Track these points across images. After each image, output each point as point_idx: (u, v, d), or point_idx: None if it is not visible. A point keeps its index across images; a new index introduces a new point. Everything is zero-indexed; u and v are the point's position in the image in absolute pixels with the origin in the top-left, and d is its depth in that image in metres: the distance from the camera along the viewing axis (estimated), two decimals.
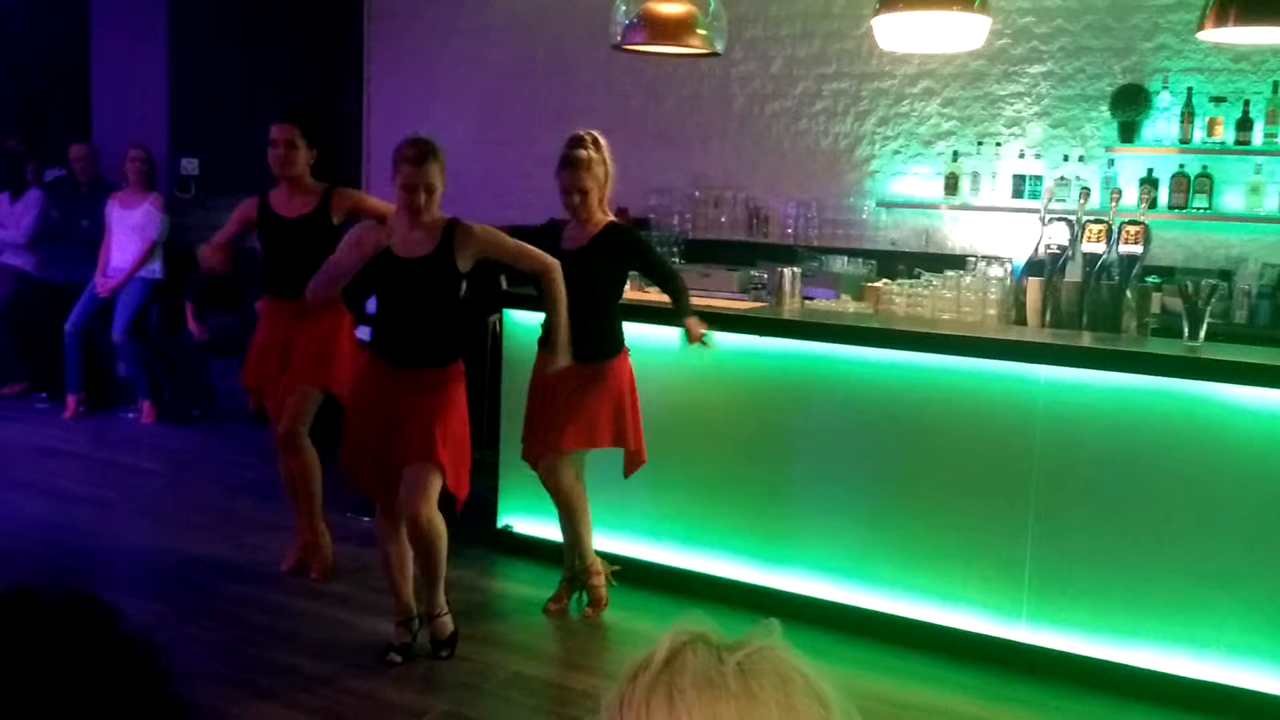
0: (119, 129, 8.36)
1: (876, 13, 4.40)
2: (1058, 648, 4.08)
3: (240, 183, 8.25)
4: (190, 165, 8.38)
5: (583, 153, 4.23)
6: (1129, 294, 4.45)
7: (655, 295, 5.14)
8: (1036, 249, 4.75)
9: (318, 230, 4.69)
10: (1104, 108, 6.07)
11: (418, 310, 3.99)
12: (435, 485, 3.92)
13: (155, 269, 7.61)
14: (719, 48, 4.83)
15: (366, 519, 5.65)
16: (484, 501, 5.26)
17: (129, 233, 7.54)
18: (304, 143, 4.72)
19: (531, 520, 5.09)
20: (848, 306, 5.21)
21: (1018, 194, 6.19)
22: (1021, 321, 4.73)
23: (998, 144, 6.33)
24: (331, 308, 4.72)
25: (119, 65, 8.80)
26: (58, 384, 7.82)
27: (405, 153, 3.92)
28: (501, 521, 5.21)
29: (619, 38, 4.79)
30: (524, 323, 5.08)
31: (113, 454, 6.88)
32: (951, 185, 6.38)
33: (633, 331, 4.57)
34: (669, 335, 4.65)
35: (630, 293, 5.10)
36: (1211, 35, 4.24)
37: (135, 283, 7.53)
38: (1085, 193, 5.28)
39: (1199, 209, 5.80)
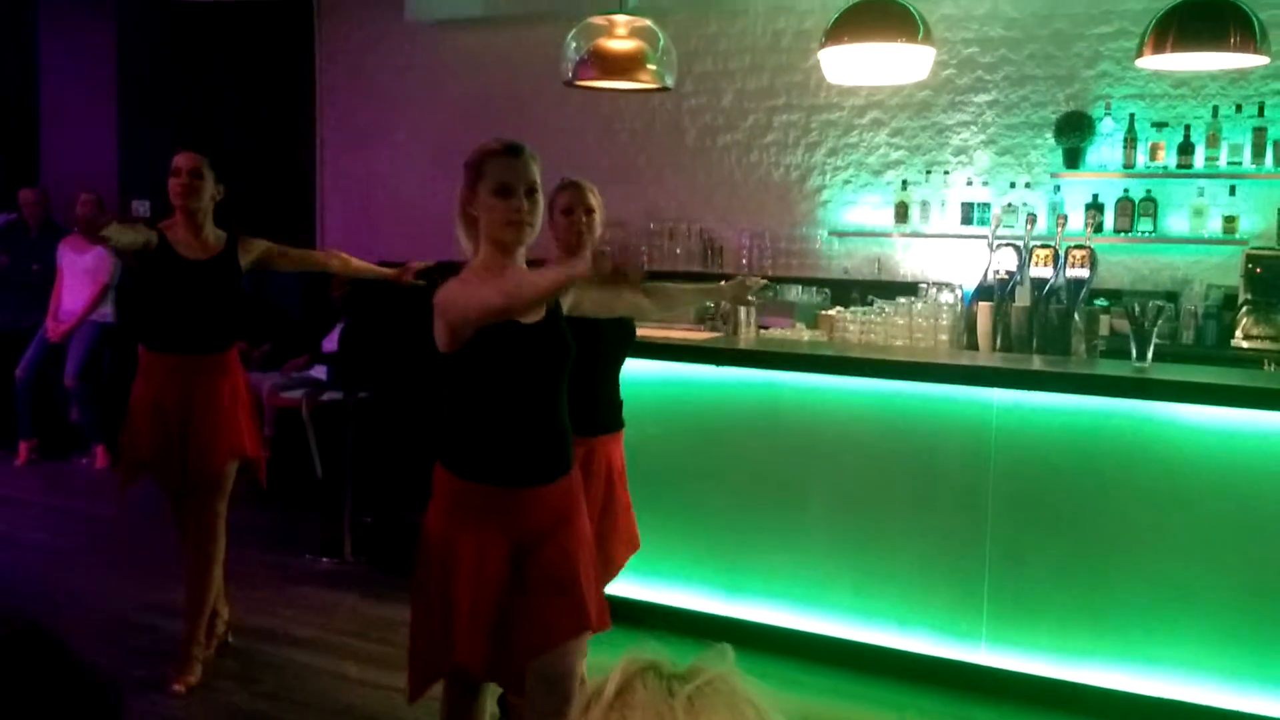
0: (69, 173, 8.30)
1: (823, 45, 4.47)
2: (1018, 669, 4.10)
3: None
4: (142, 207, 8.33)
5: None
6: (1077, 317, 4.51)
7: None
8: (986, 275, 4.81)
9: (224, 276, 4.17)
10: (1049, 135, 6.17)
11: (542, 395, 2.79)
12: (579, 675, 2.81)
13: (107, 313, 7.54)
14: (669, 82, 4.87)
15: (325, 559, 5.61)
16: None
17: (80, 276, 7.47)
18: (210, 175, 4.16)
19: None
20: (803, 335, 5.25)
21: (966, 221, 6.27)
22: (973, 346, 4.79)
23: (946, 172, 6.42)
24: (225, 357, 4.24)
25: (68, 109, 8.75)
26: (9, 431, 7.71)
27: (490, 148, 2.82)
28: None
29: (571, 74, 4.82)
30: None
31: (66, 500, 6.79)
32: (901, 213, 6.46)
33: None
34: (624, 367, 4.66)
35: None
36: (1151, 62, 4.33)
37: (87, 327, 7.46)
38: (1032, 219, 5.37)
39: (1144, 232, 5.91)
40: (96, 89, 8.55)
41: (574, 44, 4.77)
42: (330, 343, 6.80)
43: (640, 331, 4.93)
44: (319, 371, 6.78)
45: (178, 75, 8.40)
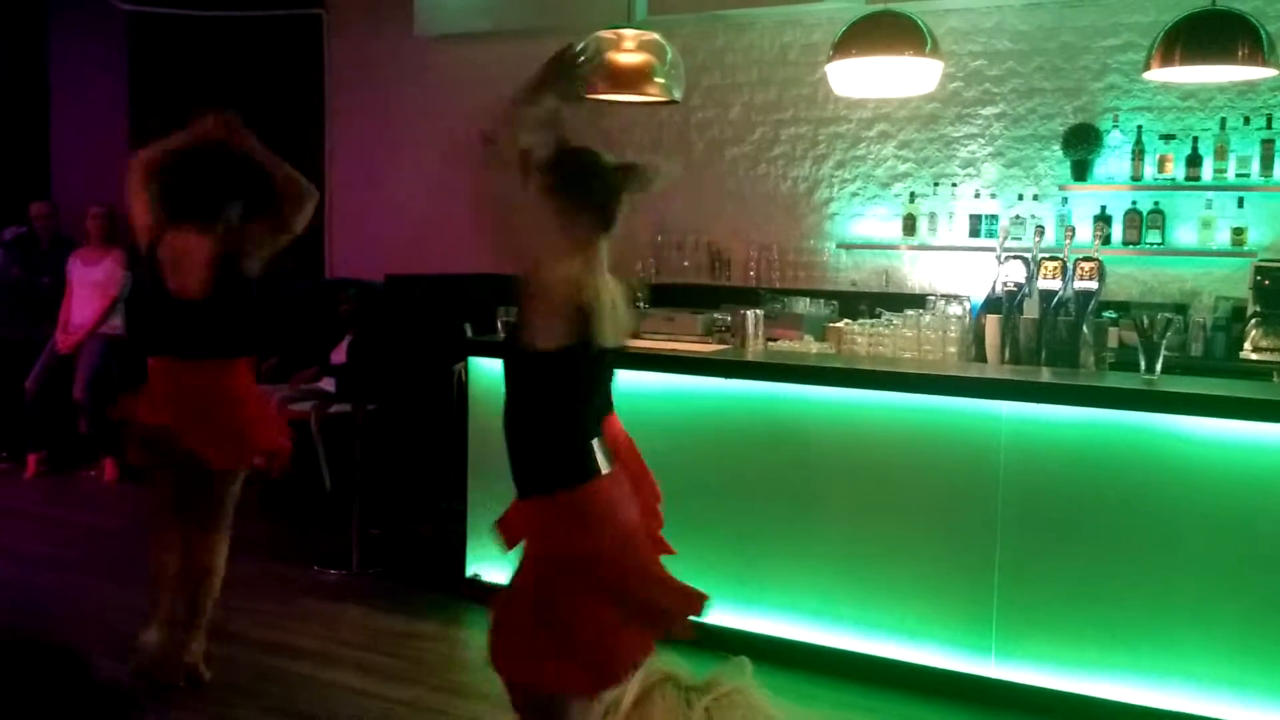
0: (80, 186, 8.34)
1: (830, 59, 4.48)
2: (1028, 682, 4.09)
3: None
4: None
5: None
6: (1085, 329, 4.51)
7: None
8: (994, 287, 4.81)
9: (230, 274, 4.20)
10: (1056, 147, 6.17)
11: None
12: None
13: (117, 325, 7.56)
14: (677, 95, 4.89)
15: (333, 571, 5.61)
16: (451, 549, 5.25)
17: (91, 289, 7.51)
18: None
19: (501, 569, 5.06)
20: (811, 347, 5.25)
21: (974, 233, 6.27)
22: (981, 358, 4.79)
23: (953, 184, 6.42)
24: (235, 361, 4.22)
25: (79, 122, 8.79)
26: (18, 443, 7.73)
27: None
28: (470, 570, 5.18)
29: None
30: (490, 370, 5.09)
31: (74, 513, 6.80)
32: (909, 226, 6.46)
33: None
34: (632, 379, 4.67)
35: None
36: (1158, 75, 4.34)
37: (97, 339, 7.49)
38: (1040, 231, 5.36)
39: (1152, 244, 5.90)
40: (107, 103, 8.58)
41: (581, 57, 4.78)
42: (339, 355, 6.82)
43: (647, 344, 4.95)
44: (327, 384, 6.79)
45: (187, 89, 8.43)
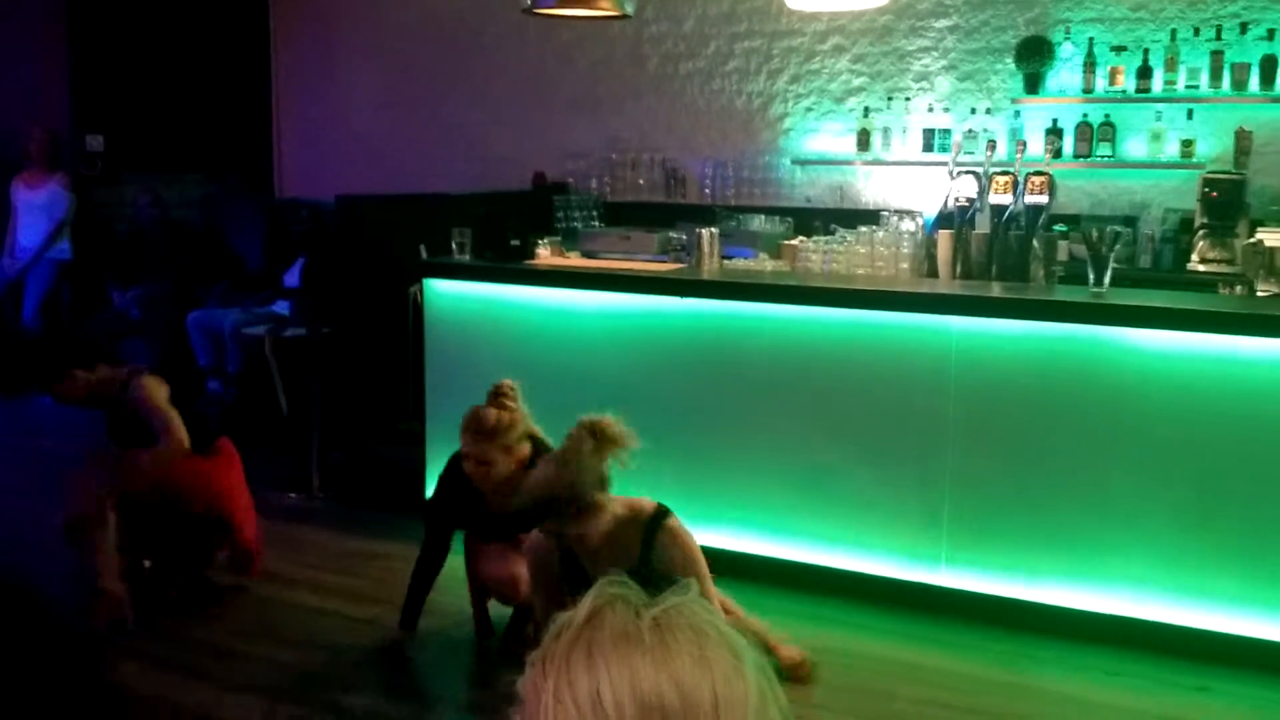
0: (20, 108, 8.14)
1: None
2: (976, 590, 4.20)
3: (148, 158, 8.09)
4: (96, 142, 8.19)
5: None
6: (1036, 243, 4.55)
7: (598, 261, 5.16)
8: (946, 202, 4.84)
9: None
10: (1009, 60, 6.18)
11: None
12: None
13: (64, 249, 7.46)
14: (629, 10, 4.82)
15: (293, 495, 5.63)
16: (411, 471, 5.27)
17: (36, 213, 7.38)
18: None
19: None
20: (766, 265, 5.26)
21: (928, 148, 6.29)
22: (933, 274, 4.82)
23: (907, 99, 6.41)
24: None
25: (17, 42, 8.54)
26: None
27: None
28: (429, 492, 5.20)
29: (529, 1, 4.77)
30: (445, 291, 5.07)
31: (24, 439, 6.75)
32: (863, 141, 6.46)
33: (559, 296, 4.57)
34: (588, 299, 4.68)
35: (581, 260, 5.10)
36: None
37: (44, 264, 7.38)
38: (992, 145, 5.39)
39: (1103, 157, 5.94)
40: (47, 22, 8.35)
41: None
42: (292, 278, 6.76)
43: (603, 263, 4.95)
44: (281, 307, 6.74)
45: (130, 8, 8.22)
